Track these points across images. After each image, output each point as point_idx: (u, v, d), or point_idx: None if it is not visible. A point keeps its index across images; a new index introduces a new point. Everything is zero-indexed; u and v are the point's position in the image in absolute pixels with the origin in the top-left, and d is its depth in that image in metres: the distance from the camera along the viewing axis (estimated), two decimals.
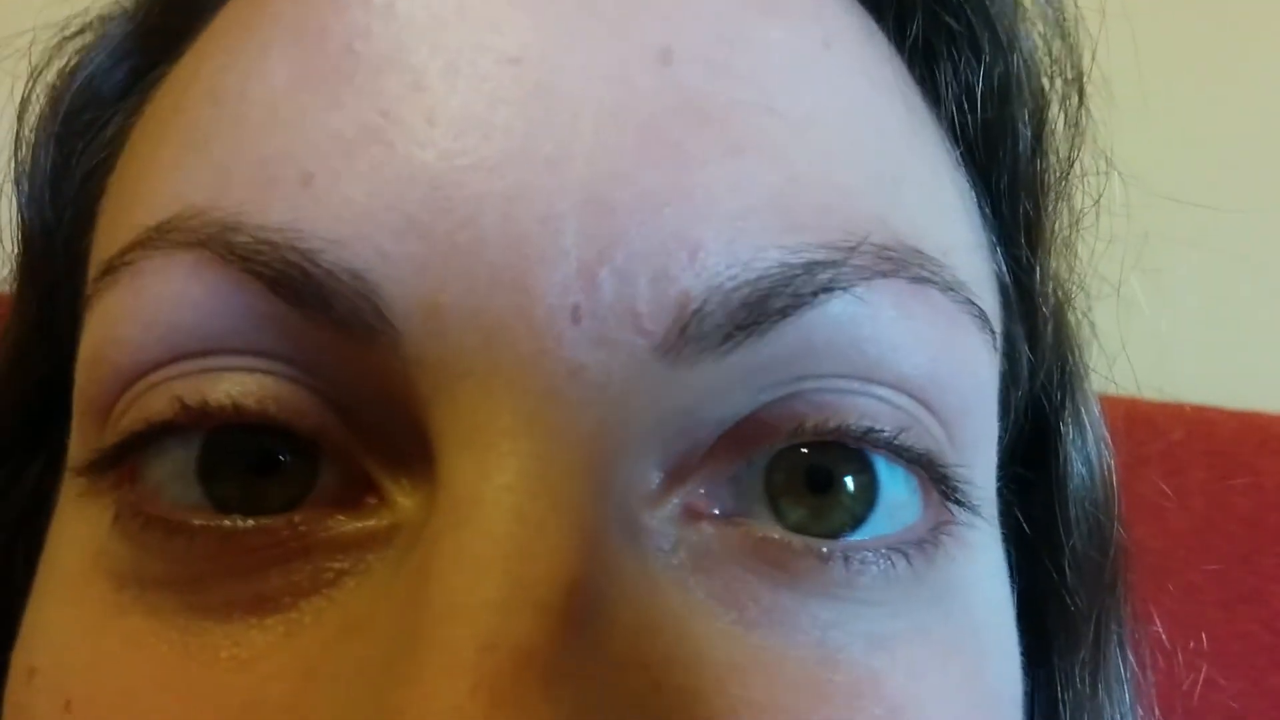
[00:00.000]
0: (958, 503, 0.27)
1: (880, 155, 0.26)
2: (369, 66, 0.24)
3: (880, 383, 0.25)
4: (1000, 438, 0.30)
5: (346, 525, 0.24)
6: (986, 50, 0.30)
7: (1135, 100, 0.35)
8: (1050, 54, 0.32)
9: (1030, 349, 0.32)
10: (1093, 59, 0.33)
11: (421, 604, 0.22)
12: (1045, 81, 0.32)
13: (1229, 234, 0.41)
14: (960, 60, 0.30)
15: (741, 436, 0.25)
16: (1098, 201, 0.34)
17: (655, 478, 0.24)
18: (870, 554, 0.25)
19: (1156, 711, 0.37)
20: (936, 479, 0.26)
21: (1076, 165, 0.33)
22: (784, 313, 0.24)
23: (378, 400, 0.24)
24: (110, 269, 0.25)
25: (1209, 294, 0.42)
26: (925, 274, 0.25)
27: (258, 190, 0.24)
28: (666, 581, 0.24)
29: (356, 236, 0.23)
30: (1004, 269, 0.31)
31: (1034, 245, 0.32)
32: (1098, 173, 0.34)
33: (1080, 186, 0.33)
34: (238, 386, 0.24)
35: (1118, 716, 0.34)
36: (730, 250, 0.23)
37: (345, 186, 0.23)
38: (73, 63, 0.33)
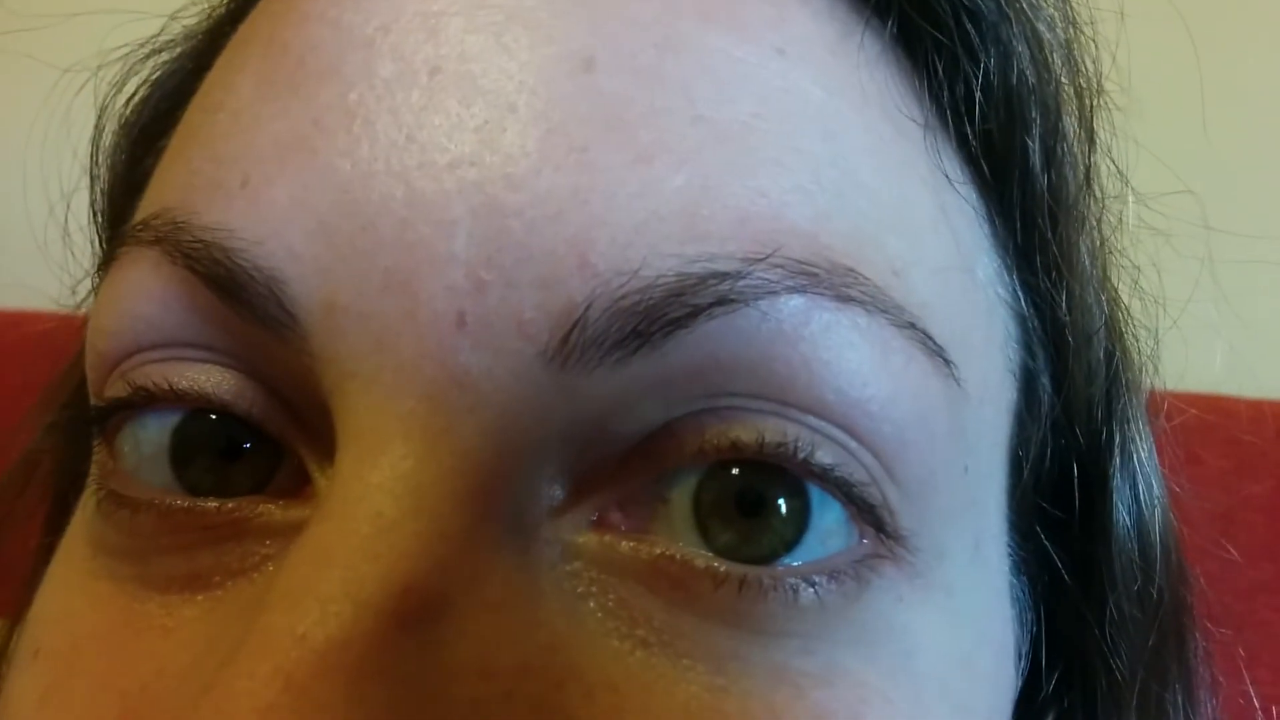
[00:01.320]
0: (895, 539, 0.25)
1: (825, 165, 0.25)
2: (312, 77, 0.25)
3: (797, 406, 0.24)
4: (1018, 475, 0.29)
5: (277, 513, 0.25)
6: (987, 58, 0.28)
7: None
8: (1070, 65, 0.31)
9: (1054, 382, 0.30)
10: (1106, 61, 0.32)
11: (268, 589, 0.23)
12: (1061, 92, 0.30)
13: (1241, 223, 0.41)
14: (955, 67, 0.28)
15: (651, 450, 0.24)
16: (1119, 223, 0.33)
17: (558, 489, 0.24)
18: (767, 580, 0.24)
19: None
20: (861, 507, 0.25)
21: (1096, 185, 0.31)
22: (680, 323, 0.23)
23: (301, 394, 0.25)
24: (105, 265, 0.28)
25: (1226, 283, 0.42)
26: (853, 294, 0.24)
27: (207, 192, 0.25)
28: (552, 593, 0.23)
29: (273, 237, 0.24)
30: (1019, 295, 0.30)
31: (1050, 269, 0.30)
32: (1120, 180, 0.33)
33: (1105, 208, 0.32)
34: (188, 373, 0.26)
35: None
36: (623, 257, 0.23)
37: (273, 190, 0.24)
38: (152, 78, 0.35)
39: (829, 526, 0.25)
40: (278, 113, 0.25)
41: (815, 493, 0.24)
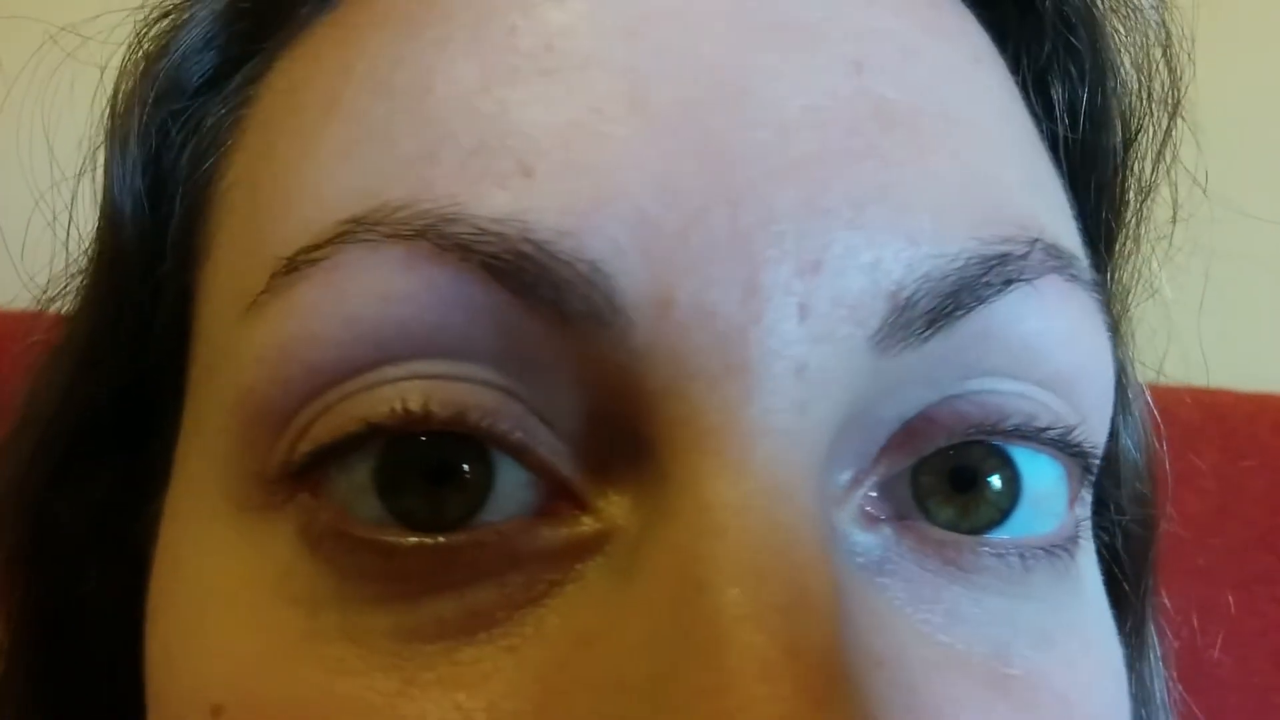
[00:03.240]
0: (1094, 497, 0.28)
1: (1026, 160, 0.28)
2: (572, 64, 0.24)
3: (1038, 382, 0.26)
4: None
5: (553, 534, 0.24)
6: (1090, 71, 0.32)
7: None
8: (1144, 76, 0.33)
9: None
10: (1184, 86, 0.34)
11: (695, 613, 0.21)
12: (1136, 102, 0.33)
13: (1239, 217, 0.41)
14: (1068, 79, 0.32)
15: (911, 435, 0.25)
16: (1174, 218, 0.35)
17: (844, 478, 0.25)
18: (1042, 551, 0.26)
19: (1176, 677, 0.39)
20: (1088, 471, 0.27)
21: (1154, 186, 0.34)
22: (980, 299, 0.25)
23: (592, 398, 0.24)
24: (295, 266, 0.24)
25: (1220, 278, 0.42)
26: (1075, 272, 0.27)
27: (470, 182, 0.23)
28: (865, 584, 0.24)
29: (588, 228, 0.23)
30: None
31: (1108, 250, 0.33)
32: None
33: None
34: (456, 393, 0.23)
35: (1156, 678, 0.36)
36: (934, 242, 0.24)
37: (570, 179, 0.23)
38: (161, 45, 0.32)
39: (1043, 490, 0.26)
40: (533, 99, 0.24)
41: (1023, 458, 0.26)
